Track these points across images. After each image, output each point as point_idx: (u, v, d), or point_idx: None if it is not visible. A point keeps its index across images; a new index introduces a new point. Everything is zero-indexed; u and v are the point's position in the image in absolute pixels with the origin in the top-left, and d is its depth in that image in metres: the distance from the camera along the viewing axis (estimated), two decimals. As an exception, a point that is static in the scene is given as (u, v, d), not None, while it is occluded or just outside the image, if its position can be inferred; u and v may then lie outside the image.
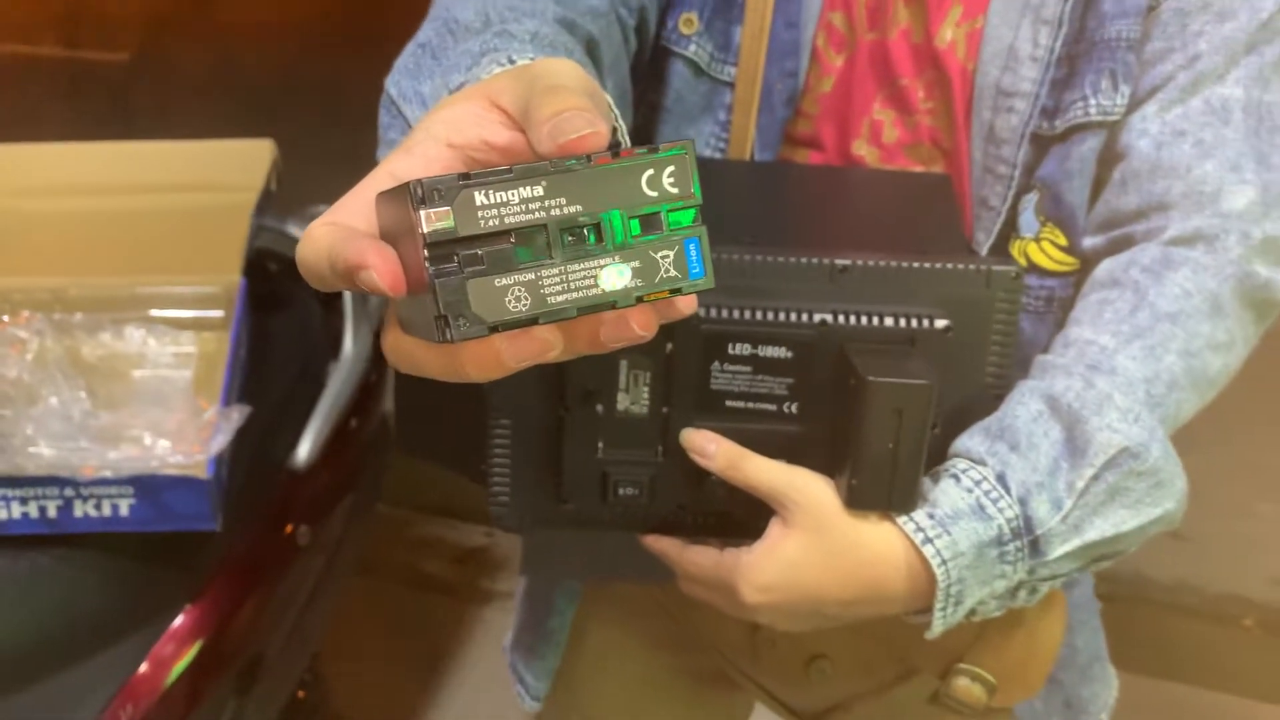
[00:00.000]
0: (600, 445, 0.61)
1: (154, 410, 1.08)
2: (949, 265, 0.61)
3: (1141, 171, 0.69)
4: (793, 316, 0.59)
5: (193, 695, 1.15)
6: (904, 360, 0.59)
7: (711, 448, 0.61)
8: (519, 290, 0.33)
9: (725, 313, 0.59)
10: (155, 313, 1.21)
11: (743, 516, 0.63)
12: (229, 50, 5.28)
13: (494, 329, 0.33)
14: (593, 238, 0.34)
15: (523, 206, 0.33)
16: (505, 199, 0.33)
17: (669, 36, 0.73)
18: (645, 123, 0.76)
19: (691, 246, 0.35)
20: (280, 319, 1.34)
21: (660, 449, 0.62)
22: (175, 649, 1.13)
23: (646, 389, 0.60)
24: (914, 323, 0.60)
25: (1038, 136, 0.71)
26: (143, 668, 1.11)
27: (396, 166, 0.38)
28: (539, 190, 0.33)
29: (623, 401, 0.60)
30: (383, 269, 0.34)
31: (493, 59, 0.48)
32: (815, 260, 0.59)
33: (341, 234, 0.36)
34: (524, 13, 0.55)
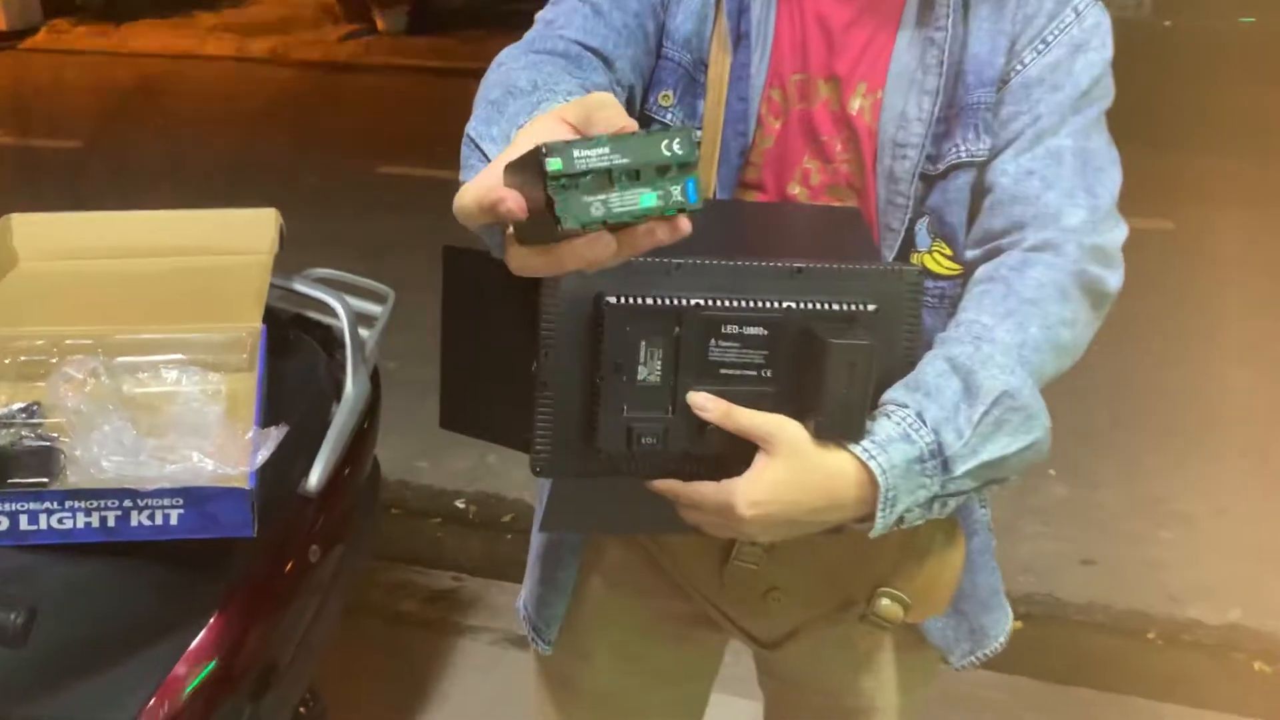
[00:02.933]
0: (625, 407, 0.80)
1: (194, 437, 1.24)
2: (872, 266, 0.83)
3: (1004, 200, 0.92)
4: (766, 304, 0.79)
5: (215, 697, 1.28)
6: (850, 331, 0.79)
7: (710, 404, 0.79)
8: (597, 204, 0.55)
9: (720, 303, 0.79)
10: (185, 356, 1.36)
11: (729, 458, 0.81)
12: (178, 140, 5.46)
13: (584, 226, 0.55)
14: (636, 176, 0.55)
15: (598, 158, 0.55)
16: (589, 154, 0.55)
17: (651, 108, 0.95)
18: None
19: (690, 184, 0.56)
20: (289, 364, 1.50)
21: (670, 408, 0.80)
22: (204, 653, 1.27)
23: (660, 363, 0.79)
24: (853, 307, 0.80)
25: (925, 176, 0.93)
26: (177, 669, 1.25)
27: (517, 153, 0.59)
28: (606, 150, 0.55)
29: (642, 373, 0.79)
30: (513, 201, 0.56)
31: (549, 104, 0.72)
32: (779, 264, 0.80)
33: (484, 187, 0.58)
34: (558, 81, 0.79)
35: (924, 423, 0.82)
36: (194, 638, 1.26)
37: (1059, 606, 2.38)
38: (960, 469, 0.82)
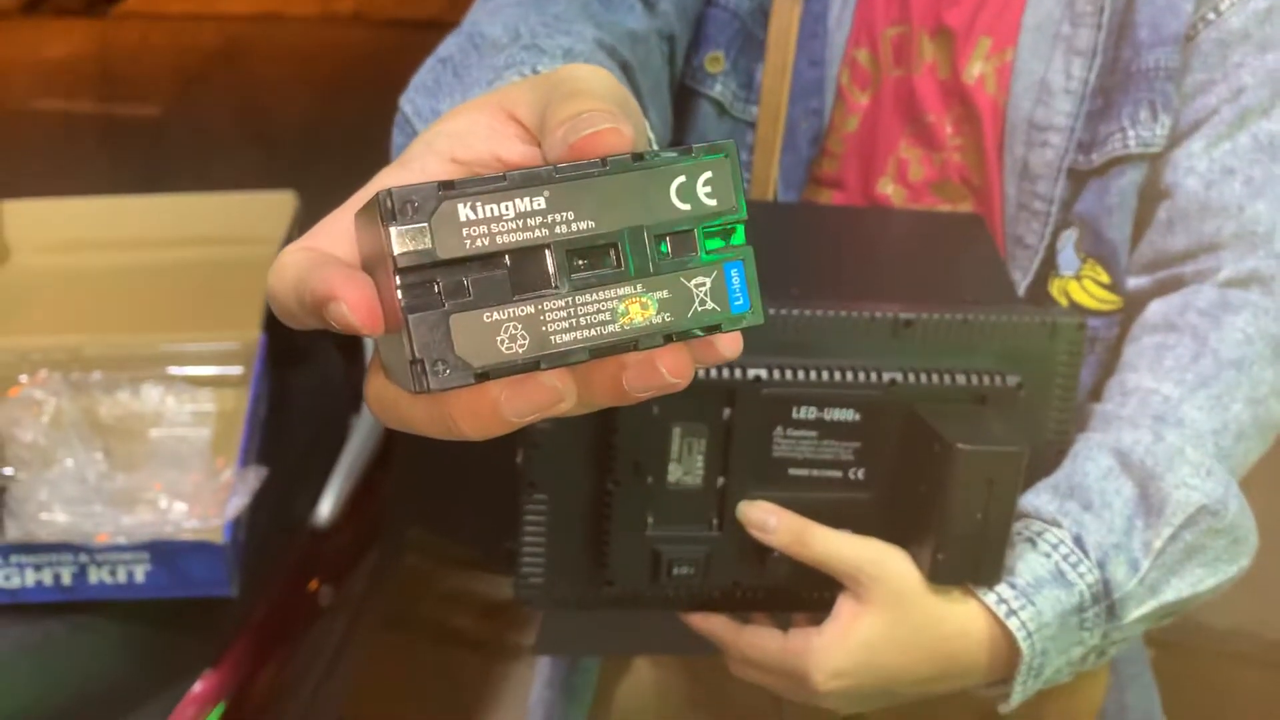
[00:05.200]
0: (650, 521, 0.57)
1: (171, 471, 1.06)
2: (1013, 318, 0.58)
3: (1190, 211, 0.67)
4: (859, 376, 0.55)
5: (212, 764, 1.11)
6: (983, 423, 0.55)
7: (773, 521, 0.57)
8: (514, 327, 0.27)
9: (790, 374, 0.55)
10: (174, 370, 1.19)
11: (802, 592, 0.59)
12: (255, 104, 5.36)
13: (483, 375, 0.27)
14: (609, 262, 0.27)
15: (520, 223, 0.27)
16: (498, 213, 0.27)
17: (694, 75, 0.71)
18: None
19: (734, 272, 0.28)
20: (301, 372, 1.31)
21: (716, 524, 0.57)
22: (194, 717, 1.10)
23: (701, 458, 0.56)
24: (985, 380, 0.56)
25: (1074, 171, 0.68)
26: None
27: (388, 182, 0.31)
28: (540, 203, 0.27)
29: (674, 472, 0.56)
30: (355, 301, 0.27)
31: (516, 71, 0.43)
32: (877, 315, 0.56)
33: (313, 261, 0.30)
34: (558, 30, 0.51)
35: (1084, 552, 0.58)
36: (183, 697, 1.09)
37: (1197, 633, 2.10)
38: (1133, 614, 0.59)
